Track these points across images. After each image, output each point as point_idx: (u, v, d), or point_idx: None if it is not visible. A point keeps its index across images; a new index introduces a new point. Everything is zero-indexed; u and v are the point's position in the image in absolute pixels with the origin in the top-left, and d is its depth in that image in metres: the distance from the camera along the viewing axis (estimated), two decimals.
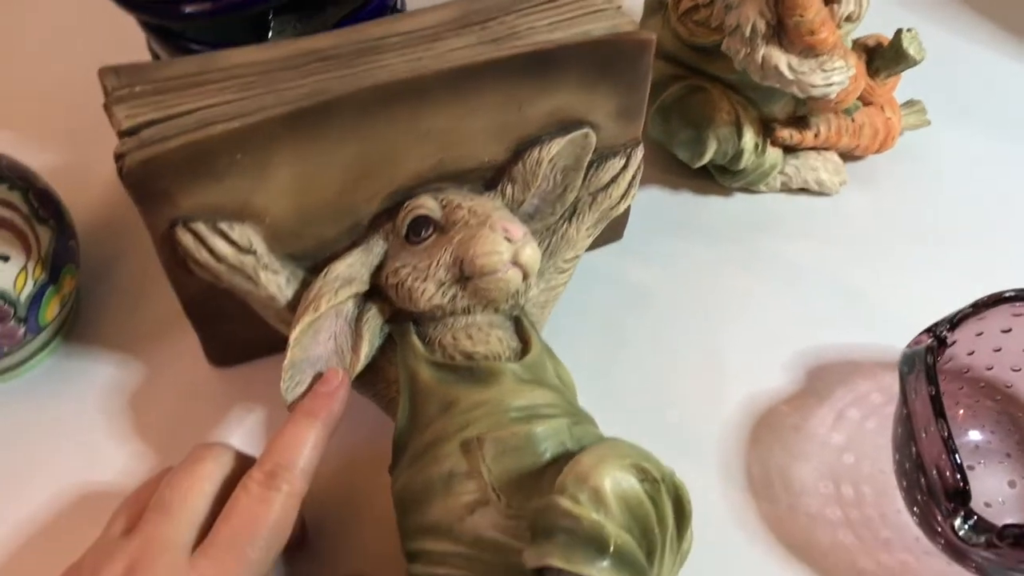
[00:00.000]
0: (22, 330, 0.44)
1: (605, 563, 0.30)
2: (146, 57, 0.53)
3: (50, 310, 0.45)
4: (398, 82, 0.37)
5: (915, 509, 0.40)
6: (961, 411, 0.45)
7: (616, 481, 0.31)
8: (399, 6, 0.55)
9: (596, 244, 0.50)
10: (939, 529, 0.38)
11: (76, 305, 0.50)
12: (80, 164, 0.57)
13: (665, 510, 0.33)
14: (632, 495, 0.32)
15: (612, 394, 0.47)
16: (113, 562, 0.34)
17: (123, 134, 0.37)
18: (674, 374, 0.49)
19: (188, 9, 0.45)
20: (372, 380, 0.42)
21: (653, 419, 0.47)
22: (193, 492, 0.36)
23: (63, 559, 0.42)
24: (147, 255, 0.50)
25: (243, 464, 0.38)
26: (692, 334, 0.50)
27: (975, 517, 0.36)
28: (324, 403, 0.38)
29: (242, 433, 0.46)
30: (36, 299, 0.44)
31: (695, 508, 0.35)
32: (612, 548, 0.30)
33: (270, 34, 0.51)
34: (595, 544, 0.30)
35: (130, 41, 0.54)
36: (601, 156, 0.46)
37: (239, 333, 0.45)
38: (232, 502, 0.35)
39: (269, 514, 0.35)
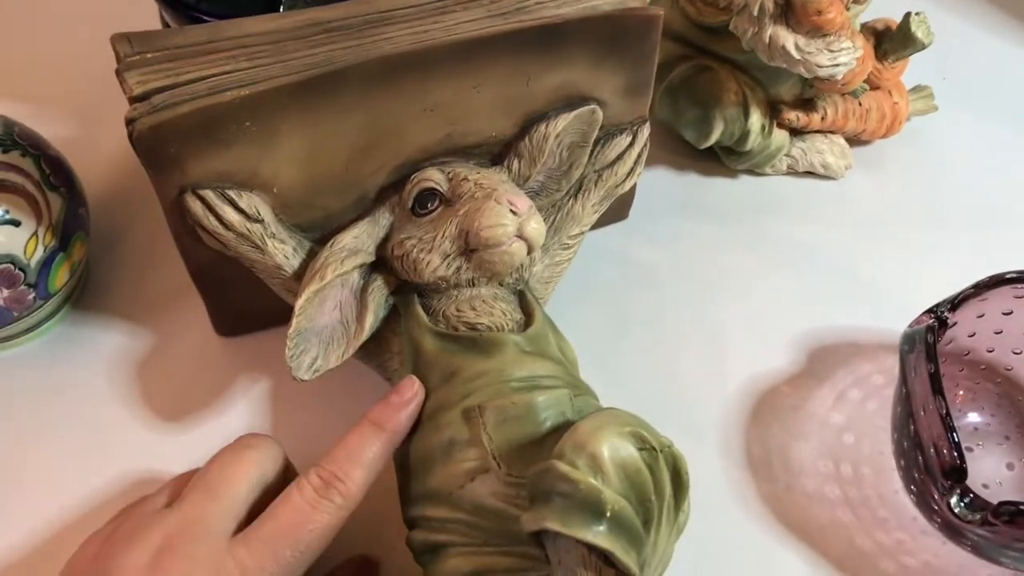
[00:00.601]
0: (31, 295, 0.45)
1: (601, 528, 0.30)
2: (157, 28, 0.54)
3: (60, 277, 0.46)
4: (405, 54, 0.38)
5: (912, 488, 0.40)
6: (961, 393, 0.46)
7: (614, 448, 0.32)
8: None
9: (601, 222, 0.50)
10: (936, 507, 0.38)
11: (85, 273, 0.51)
12: (91, 135, 0.57)
13: (663, 479, 0.33)
14: (630, 462, 0.32)
15: (615, 371, 0.47)
16: (151, 532, 0.34)
17: (134, 99, 0.37)
18: (677, 352, 0.49)
19: None
20: (376, 351, 0.42)
21: (655, 396, 0.47)
22: (238, 478, 0.36)
23: (68, 522, 0.43)
24: (156, 226, 0.51)
25: (285, 463, 0.38)
26: (695, 313, 0.50)
27: (971, 495, 0.36)
28: (394, 415, 0.37)
29: (248, 402, 0.47)
30: (46, 265, 0.45)
31: (695, 484, 0.35)
32: (609, 513, 0.30)
33: (281, 8, 0.51)
34: (592, 509, 0.30)
35: (142, 12, 0.55)
36: (607, 133, 0.46)
37: (246, 303, 0.46)
38: (284, 499, 0.35)
39: (317, 521, 0.35)
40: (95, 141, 0.56)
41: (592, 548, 0.31)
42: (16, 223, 0.43)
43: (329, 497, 0.35)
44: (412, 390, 0.38)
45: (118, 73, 0.38)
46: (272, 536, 0.34)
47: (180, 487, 0.37)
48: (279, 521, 0.35)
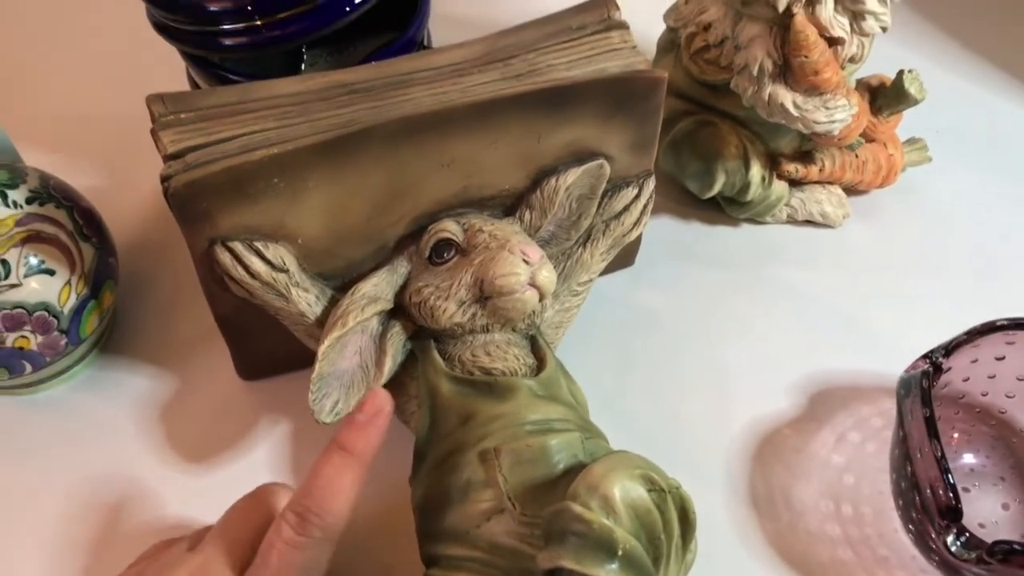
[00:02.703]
0: (64, 341, 0.47)
1: (614, 566, 0.32)
2: (184, 84, 0.56)
3: (90, 323, 0.48)
4: (426, 114, 0.40)
5: (911, 528, 0.41)
6: (956, 435, 0.47)
7: (625, 489, 0.33)
8: (426, 42, 0.57)
9: (609, 269, 0.52)
10: (933, 546, 0.40)
11: (114, 319, 0.53)
12: (120, 186, 0.60)
13: (671, 519, 0.35)
14: (640, 503, 0.34)
15: (622, 412, 0.49)
16: (176, 572, 0.36)
17: (169, 157, 0.39)
18: (682, 395, 0.50)
19: (228, 42, 0.48)
20: (394, 394, 0.43)
21: (661, 438, 0.48)
22: (257, 525, 0.37)
23: (94, 562, 0.45)
24: (181, 273, 0.53)
25: None
26: (699, 357, 0.52)
27: (967, 534, 0.38)
28: (361, 436, 0.36)
29: (269, 445, 0.48)
30: (78, 312, 0.47)
31: (700, 523, 0.37)
32: (621, 552, 0.32)
33: (303, 66, 0.53)
34: (605, 547, 0.32)
35: (170, 69, 0.57)
36: (615, 186, 0.48)
37: (268, 348, 0.48)
38: (267, 543, 0.35)
39: (299, 560, 0.35)
40: (123, 191, 0.58)
41: None
42: (51, 272, 0.45)
43: (308, 533, 0.35)
44: (376, 405, 0.37)
45: (153, 132, 0.40)
46: None
47: (202, 536, 0.38)
48: (267, 567, 0.35)
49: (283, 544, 0.35)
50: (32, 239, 0.45)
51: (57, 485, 0.47)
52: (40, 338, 0.45)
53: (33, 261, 0.45)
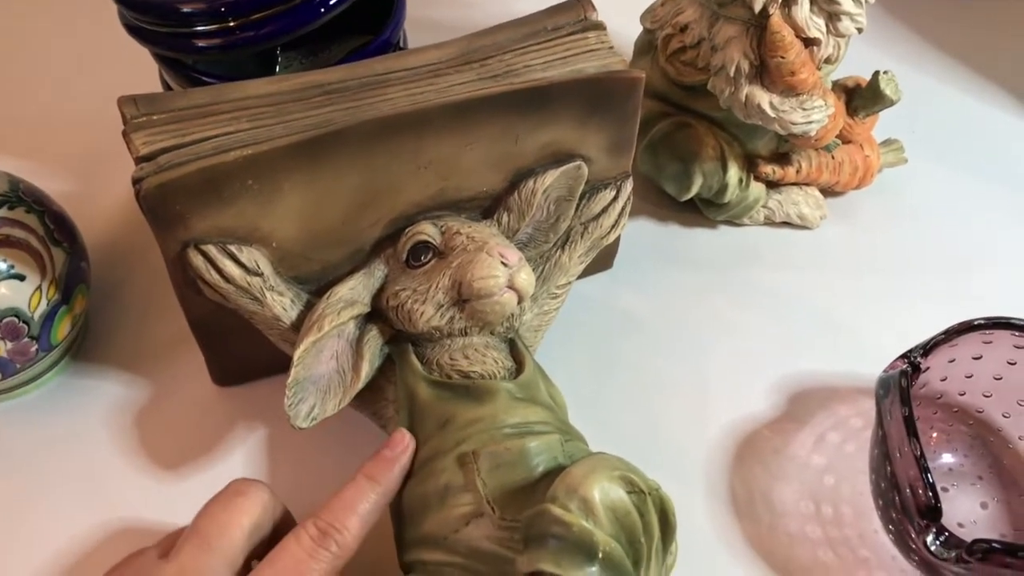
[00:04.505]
0: (34, 347, 0.46)
1: (594, 569, 0.32)
2: (157, 87, 0.55)
3: (62, 329, 0.47)
4: (401, 115, 0.40)
5: (891, 528, 0.41)
6: (935, 435, 0.47)
7: (605, 491, 0.33)
8: (402, 44, 0.57)
9: (588, 272, 0.51)
10: (913, 546, 0.40)
11: (86, 325, 0.52)
12: (92, 189, 0.59)
13: (651, 521, 0.35)
14: (620, 505, 0.33)
15: (602, 415, 0.48)
16: None
17: (141, 160, 0.39)
18: (661, 397, 0.50)
19: (201, 43, 0.48)
20: (371, 399, 0.43)
21: (641, 440, 0.48)
22: (231, 527, 0.37)
23: (67, 572, 0.44)
24: (154, 278, 0.52)
25: (276, 508, 0.39)
26: (678, 359, 0.52)
27: (946, 533, 0.38)
28: (387, 468, 0.39)
29: (245, 451, 0.48)
30: (49, 318, 0.46)
31: (681, 525, 0.36)
32: (601, 555, 0.32)
33: (278, 69, 0.53)
34: (584, 550, 0.32)
35: (143, 71, 0.56)
36: (593, 188, 0.48)
37: (243, 353, 0.47)
38: (282, 547, 0.36)
39: (314, 569, 0.36)
40: (95, 195, 0.58)
41: None
42: (21, 277, 0.45)
43: (326, 546, 0.36)
44: (403, 443, 0.40)
45: (125, 134, 0.39)
46: None
47: (174, 541, 0.38)
48: (276, 569, 0.35)
49: (300, 551, 0.36)
50: (1, 244, 0.44)
51: (29, 493, 0.46)
52: (10, 344, 0.45)
53: (2, 266, 0.44)
